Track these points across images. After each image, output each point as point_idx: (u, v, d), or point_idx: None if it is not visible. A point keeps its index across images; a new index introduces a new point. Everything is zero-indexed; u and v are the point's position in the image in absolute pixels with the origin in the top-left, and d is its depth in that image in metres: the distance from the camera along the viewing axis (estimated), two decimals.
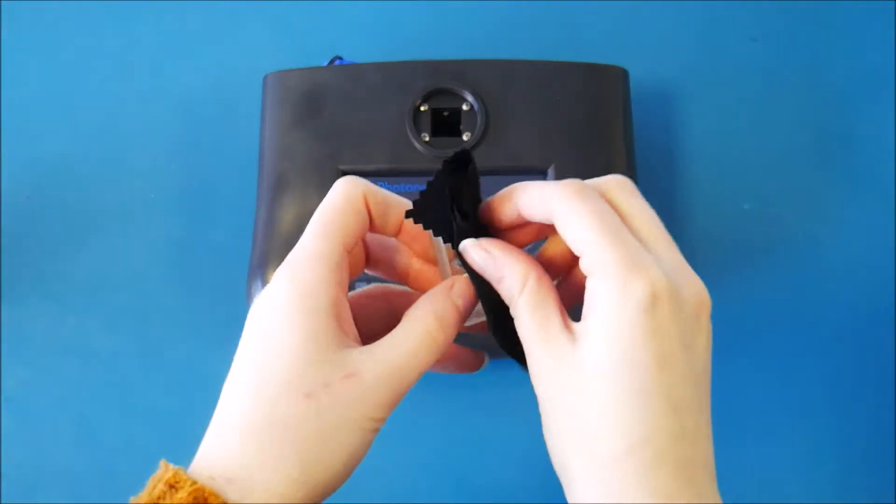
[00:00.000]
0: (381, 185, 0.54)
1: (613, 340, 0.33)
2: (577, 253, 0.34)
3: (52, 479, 0.55)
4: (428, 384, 0.57)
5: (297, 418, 0.34)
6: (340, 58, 0.60)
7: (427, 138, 0.55)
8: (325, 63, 0.59)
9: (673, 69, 0.63)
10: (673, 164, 0.61)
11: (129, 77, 0.63)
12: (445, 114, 0.56)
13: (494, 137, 0.55)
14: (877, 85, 0.63)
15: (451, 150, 0.54)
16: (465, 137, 0.55)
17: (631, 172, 0.56)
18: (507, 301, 0.36)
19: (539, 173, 0.55)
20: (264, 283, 0.53)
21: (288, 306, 0.35)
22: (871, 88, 0.63)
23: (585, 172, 0.56)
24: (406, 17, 0.64)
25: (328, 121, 0.56)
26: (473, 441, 0.56)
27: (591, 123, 0.56)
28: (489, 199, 0.37)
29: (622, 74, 0.57)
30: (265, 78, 0.57)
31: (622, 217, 0.35)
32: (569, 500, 0.34)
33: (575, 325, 0.34)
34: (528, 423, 0.55)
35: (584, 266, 0.34)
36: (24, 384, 0.57)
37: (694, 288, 0.34)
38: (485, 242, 0.36)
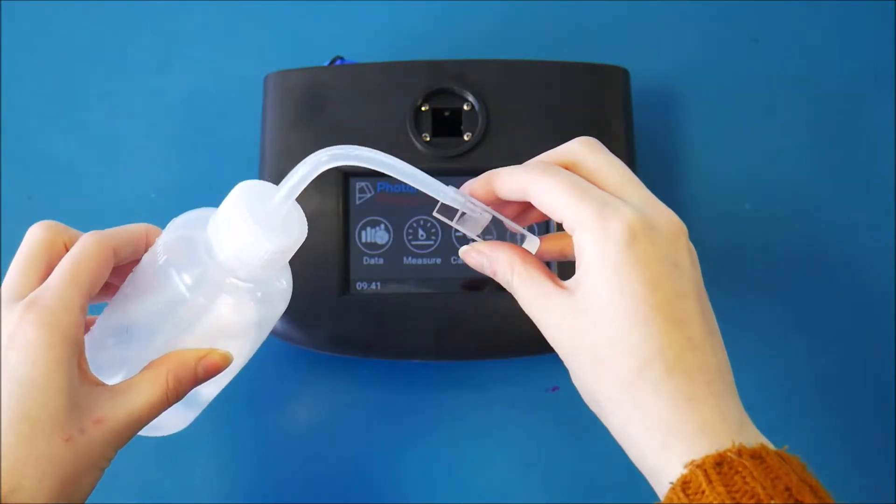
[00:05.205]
0: (382, 185, 0.55)
1: (605, 279, 0.36)
2: (557, 220, 0.38)
3: None
4: (428, 384, 0.57)
5: (59, 459, 0.37)
6: (341, 58, 0.60)
7: (428, 138, 0.55)
8: (326, 63, 0.59)
9: (673, 69, 0.63)
10: (673, 164, 0.61)
11: (130, 77, 0.63)
12: (446, 114, 0.56)
13: (495, 137, 0.55)
14: (877, 85, 0.63)
15: (452, 151, 0.55)
16: (465, 137, 0.55)
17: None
18: (506, 288, 0.40)
19: None
20: None
21: (49, 353, 0.38)
22: (872, 88, 0.63)
23: None
24: (407, 17, 0.64)
25: (329, 121, 0.56)
26: (473, 441, 0.56)
27: (592, 123, 0.56)
28: (469, 183, 0.41)
29: (622, 74, 0.57)
30: (266, 78, 0.57)
31: (590, 174, 0.39)
32: (607, 425, 0.38)
33: (568, 282, 0.38)
34: (529, 423, 0.56)
35: (567, 228, 0.38)
36: None
37: (667, 217, 0.38)
38: (477, 245, 0.41)
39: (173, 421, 0.47)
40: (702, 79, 0.63)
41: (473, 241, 0.42)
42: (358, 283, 0.54)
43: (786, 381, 0.57)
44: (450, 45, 0.64)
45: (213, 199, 0.58)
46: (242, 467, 0.55)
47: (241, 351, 0.45)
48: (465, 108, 0.56)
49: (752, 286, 0.59)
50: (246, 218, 0.38)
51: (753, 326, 0.57)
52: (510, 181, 0.40)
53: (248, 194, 0.39)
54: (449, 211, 0.41)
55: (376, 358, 0.55)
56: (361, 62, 0.59)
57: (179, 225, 0.42)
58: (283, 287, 0.43)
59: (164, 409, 0.41)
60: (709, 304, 0.38)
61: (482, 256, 0.41)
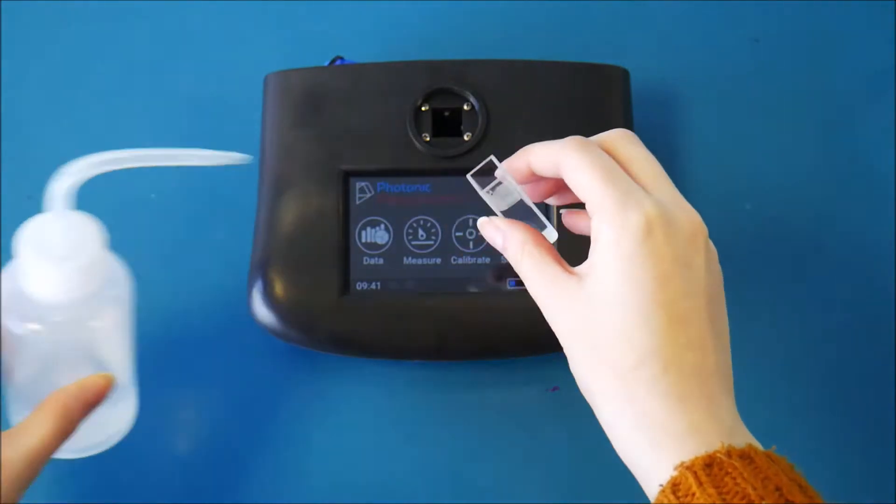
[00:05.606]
0: (382, 185, 0.55)
1: (615, 268, 0.36)
2: (582, 199, 0.38)
3: (53, 479, 0.55)
4: (428, 384, 0.57)
5: None
6: (341, 58, 0.60)
7: (428, 138, 0.55)
8: (326, 63, 0.59)
9: (673, 69, 0.63)
10: (673, 165, 0.61)
11: (129, 77, 0.63)
12: (446, 114, 0.56)
13: (495, 137, 0.55)
14: (878, 85, 0.63)
15: (452, 151, 0.55)
16: (466, 137, 0.55)
17: None
18: (514, 267, 0.41)
19: None
20: (265, 283, 0.53)
21: None
22: (873, 89, 0.63)
23: None
24: (407, 17, 0.64)
25: (329, 121, 0.56)
26: (473, 441, 0.56)
27: (592, 123, 0.55)
28: (507, 160, 0.42)
29: (622, 74, 0.57)
30: (266, 78, 0.57)
31: (623, 163, 0.39)
32: (599, 419, 0.38)
33: (578, 268, 0.39)
34: (529, 423, 0.56)
35: (589, 210, 0.38)
36: None
37: (687, 216, 0.38)
38: (496, 220, 0.42)
39: (105, 435, 0.49)
40: (702, 79, 0.63)
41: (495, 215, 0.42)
42: (358, 283, 0.54)
43: (786, 381, 0.57)
44: (450, 45, 0.64)
45: (213, 199, 0.58)
46: (242, 467, 0.55)
47: (116, 358, 0.46)
48: (465, 108, 0.56)
49: (751, 286, 0.59)
50: (34, 260, 0.41)
51: (753, 326, 0.57)
52: (544, 154, 0.40)
53: (28, 235, 0.41)
54: (483, 179, 0.41)
55: (376, 358, 0.55)
56: (361, 62, 0.59)
57: (7, 274, 0.44)
58: (114, 294, 0.45)
59: (62, 442, 0.43)
60: (723, 307, 0.38)
61: (497, 232, 0.41)
